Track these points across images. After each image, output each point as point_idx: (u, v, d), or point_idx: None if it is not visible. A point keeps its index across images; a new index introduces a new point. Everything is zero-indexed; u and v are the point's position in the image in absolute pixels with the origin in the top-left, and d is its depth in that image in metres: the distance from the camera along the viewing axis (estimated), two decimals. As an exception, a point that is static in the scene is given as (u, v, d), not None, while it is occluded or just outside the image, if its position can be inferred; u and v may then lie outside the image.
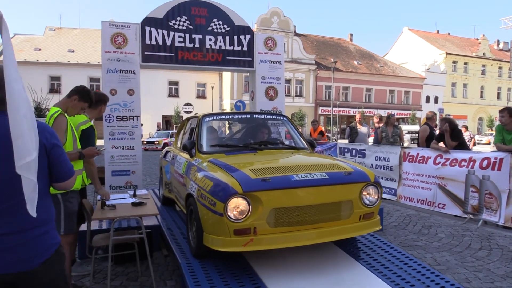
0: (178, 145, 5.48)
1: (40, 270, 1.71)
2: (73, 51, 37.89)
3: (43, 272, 1.72)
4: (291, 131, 4.79)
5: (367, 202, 3.34)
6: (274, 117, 5.12)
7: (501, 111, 5.86)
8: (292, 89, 41.10)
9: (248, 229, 2.96)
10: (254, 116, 5.06)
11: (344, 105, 42.20)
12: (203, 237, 3.22)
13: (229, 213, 2.91)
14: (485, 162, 5.78)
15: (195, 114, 5.12)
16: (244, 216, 2.94)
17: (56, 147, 1.78)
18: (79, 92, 3.51)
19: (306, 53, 42.09)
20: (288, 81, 39.73)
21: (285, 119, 4.97)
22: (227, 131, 5.79)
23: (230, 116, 5.48)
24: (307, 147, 4.50)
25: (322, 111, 41.92)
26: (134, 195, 4.05)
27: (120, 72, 5.94)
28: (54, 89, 34.71)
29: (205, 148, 4.13)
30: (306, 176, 3.09)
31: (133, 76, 6.02)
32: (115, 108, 5.93)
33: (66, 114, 3.41)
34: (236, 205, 2.93)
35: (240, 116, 5.18)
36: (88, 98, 3.57)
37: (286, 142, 4.75)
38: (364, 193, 3.32)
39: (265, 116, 5.12)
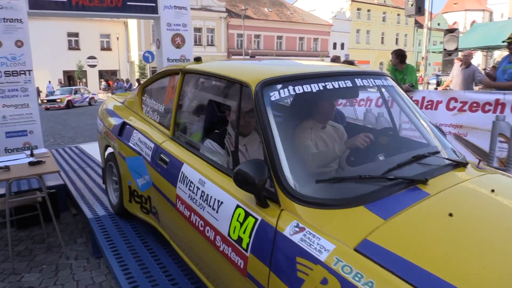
0: (151, 116, 3.22)
1: None
2: None
3: None
4: (413, 108, 2.61)
5: None
6: (379, 82, 2.52)
7: (391, 53, 6.39)
8: (203, 38, 40.00)
9: None
10: (357, 80, 2.31)
11: (256, 53, 42.32)
12: None
13: None
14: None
15: (212, 58, 2.79)
16: None
17: None
18: None
19: (217, 0, 40.85)
20: (198, 29, 38.56)
21: (392, 83, 2.62)
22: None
23: (312, 86, 2.10)
24: (458, 153, 2.34)
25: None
26: (32, 155, 3.76)
27: (4, 21, 5.25)
28: None
29: (302, 189, 1.73)
30: None
31: (20, 25, 5.36)
32: (2, 62, 5.30)
33: None
34: None
35: (328, 84, 2.16)
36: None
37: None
38: None
39: (368, 80, 2.41)
